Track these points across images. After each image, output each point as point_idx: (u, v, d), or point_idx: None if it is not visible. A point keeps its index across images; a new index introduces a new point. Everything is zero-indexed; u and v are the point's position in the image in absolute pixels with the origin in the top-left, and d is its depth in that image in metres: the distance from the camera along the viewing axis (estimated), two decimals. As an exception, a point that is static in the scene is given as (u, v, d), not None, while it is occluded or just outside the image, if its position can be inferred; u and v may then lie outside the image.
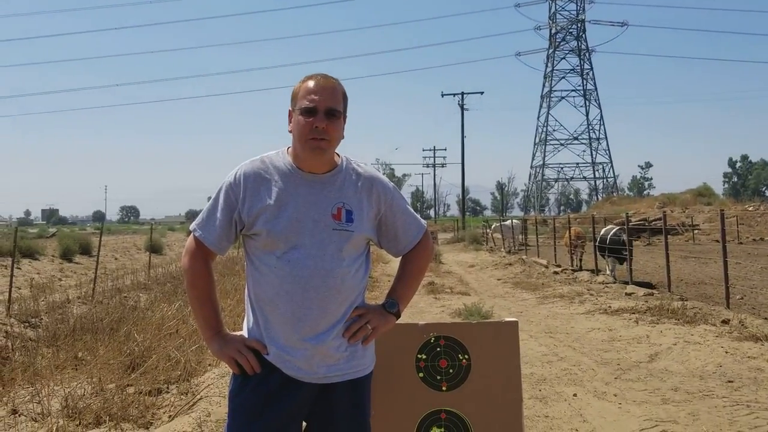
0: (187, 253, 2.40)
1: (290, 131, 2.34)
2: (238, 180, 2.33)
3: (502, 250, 28.95)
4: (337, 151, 2.39)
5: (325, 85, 2.29)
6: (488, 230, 36.72)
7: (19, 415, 5.12)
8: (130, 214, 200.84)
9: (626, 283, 14.37)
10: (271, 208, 2.28)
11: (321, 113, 2.25)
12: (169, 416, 5.11)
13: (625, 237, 15.43)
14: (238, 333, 2.42)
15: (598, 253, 17.00)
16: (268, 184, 2.31)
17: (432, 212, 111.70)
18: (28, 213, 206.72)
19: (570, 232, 20.13)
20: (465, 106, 54.99)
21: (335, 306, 2.29)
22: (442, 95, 56.02)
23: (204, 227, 2.37)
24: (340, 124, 2.32)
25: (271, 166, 2.34)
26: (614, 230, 16.66)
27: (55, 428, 4.64)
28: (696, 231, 31.80)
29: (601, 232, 17.10)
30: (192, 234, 2.41)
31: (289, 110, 2.34)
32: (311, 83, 2.29)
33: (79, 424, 4.81)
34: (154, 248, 25.59)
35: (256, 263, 2.33)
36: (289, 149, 2.39)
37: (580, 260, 19.44)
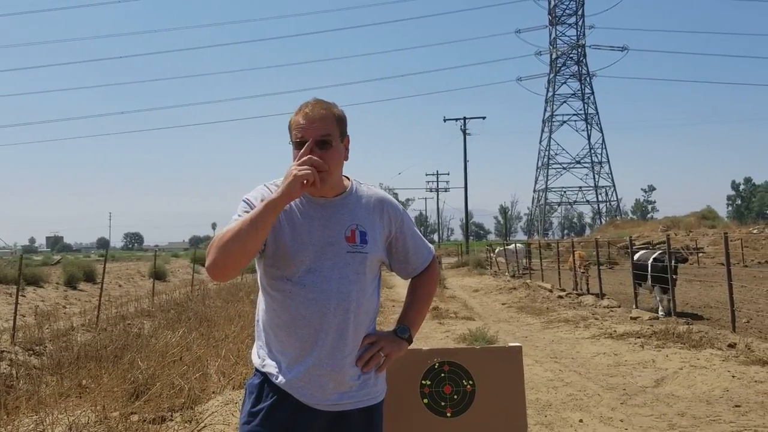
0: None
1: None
2: (255, 200, 2.27)
3: (506, 274, 28.86)
4: (346, 174, 2.39)
5: (314, 116, 2.24)
6: (492, 254, 36.65)
7: (23, 444, 5.09)
8: (134, 240, 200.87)
9: (669, 315, 12.64)
10: (285, 232, 2.26)
11: (311, 145, 2.20)
12: (173, 444, 5.08)
13: (665, 260, 13.14)
14: (252, 358, 2.38)
15: (634, 281, 14.75)
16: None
17: (436, 236, 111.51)
18: (32, 240, 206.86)
19: (574, 256, 20.07)
20: (467, 131, 55.28)
21: (352, 330, 2.28)
22: (444, 120, 56.44)
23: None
24: (335, 151, 2.26)
25: None
26: (656, 253, 14.20)
27: (59, 457, 4.61)
28: (700, 254, 31.70)
29: (637, 256, 14.98)
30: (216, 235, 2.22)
31: (289, 142, 2.32)
32: (300, 116, 2.26)
33: (83, 452, 4.78)
34: (158, 275, 25.61)
35: (270, 289, 2.31)
36: None
37: (587, 283, 19.12)
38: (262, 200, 2.16)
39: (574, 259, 19.74)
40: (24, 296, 16.57)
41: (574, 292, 18.44)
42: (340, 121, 2.31)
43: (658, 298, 13.59)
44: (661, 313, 13.05)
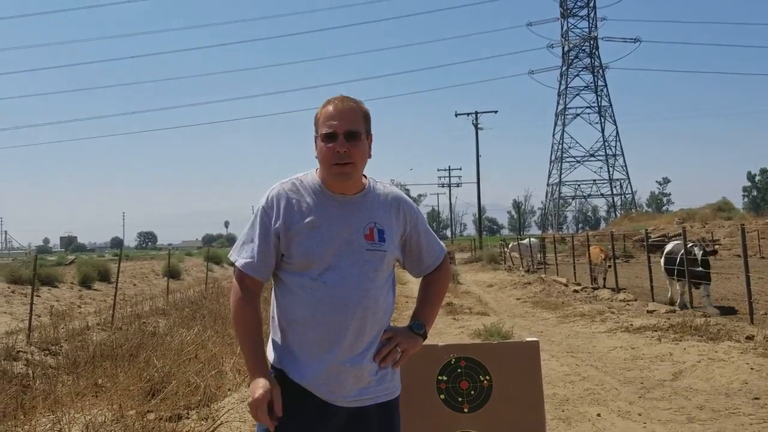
0: (234, 293, 2.35)
1: (316, 157, 2.34)
2: (271, 202, 2.32)
3: (521, 269, 28.78)
4: (364, 172, 2.40)
5: (344, 108, 2.28)
6: (506, 249, 36.55)
7: (41, 443, 5.11)
8: (147, 239, 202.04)
9: (685, 308, 12.43)
10: (304, 229, 2.27)
11: (341, 137, 2.24)
12: (190, 442, 5.09)
13: (698, 252, 12.57)
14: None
15: (667, 275, 13.99)
16: (299, 205, 2.30)
17: (448, 232, 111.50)
18: (46, 241, 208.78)
19: (589, 250, 19.81)
20: (479, 126, 55.12)
21: (370, 327, 2.28)
22: (456, 115, 56.35)
23: (246, 256, 2.32)
24: (363, 145, 2.30)
25: (302, 188, 2.34)
26: (689, 245, 13.09)
27: (75, 456, 4.62)
28: (716, 246, 31.43)
29: (668, 248, 14.20)
30: (235, 266, 2.35)
31: (314, 136, 2.35)
32: (330, 107, 2.29)
33: (100, 451, 4.79)
34: (172, 274, 25.71)
35: (289, 285, 2.31)
36: (317, 170, 2.39)
37: (604, 279, 18.47)
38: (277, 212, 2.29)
39: (588, 254, 19.36)
40: (39, 296, 16.68)
41: (590, 286, 18.30)
42: (367, 117, 2.35)
43: (680, 291, 13.27)
44: (678, 305, 12.89)
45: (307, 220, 2.28)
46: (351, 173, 2.28)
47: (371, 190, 2.39)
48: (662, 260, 14.30)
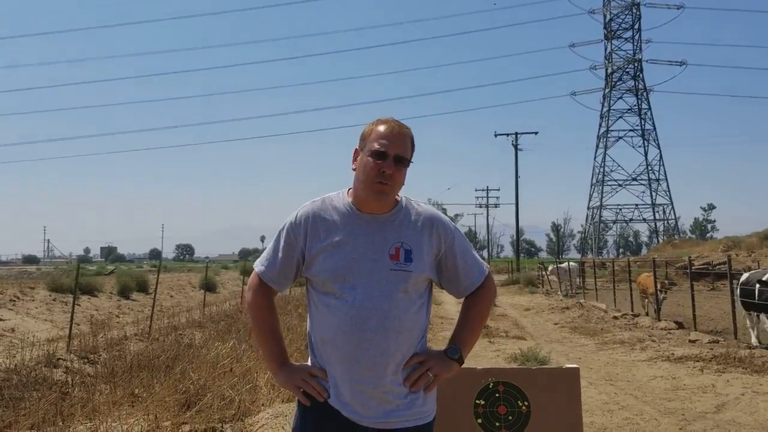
0: (250, 289, 2.46)
1: (354, 169, 2.37)
2: (299, 220, 2.37)
3: (559, 293, 28.38)
4: None
5: (399, 132, 2.31)
6: (544, 272, 36.09)
7: (77, 451, 5.17)
8: (185, 252, 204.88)
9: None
10: (329, 248, 2.30)
11: (390, 159, 2.27)
12: (223, 456, 5.09)
13: None
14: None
15: (741, 306, 12.26)
16: (326, 224, 2.33)
17: (485, 253, 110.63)
18: (87, 250, 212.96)
19: (640, 279, 18.28)
20: (519, 147, 54.80)
21: (394, 347, 2.26)
22: (496, 135, 56.00)
23: (266, 264, 2.43)
24: (405, 172, 2.34)
25: (331, 207, 2.37)
26: (765, 276, 11.58)
27: (111, 465, 4.66)
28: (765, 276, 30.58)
29: (744, 278, 12.35)
30: (254, 271, 2.47)
31: (356, 149, 2.37)
32: (384, 128, 2.32)
33: (135, 461, 4.83)
34: (209, 286, 26.01)
35: (317, 303, 2.34)
36: (350, 191, 2.40)
37: (658, 310, 16.28)
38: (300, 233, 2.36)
39: (639, 282, 17.99)
40: (79, 305, 16.98)
41: (630, 313, 17.87)
42: (413, 146, 2.40)
43: (759, 325, 11.62)
44: (754, 341, 11.47)
45: (333, 239, 2.31)
46: (389, 194, 2.31)
47: (402, 208, 2.39)
48: (738, 292, 12.42)
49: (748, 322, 12.06)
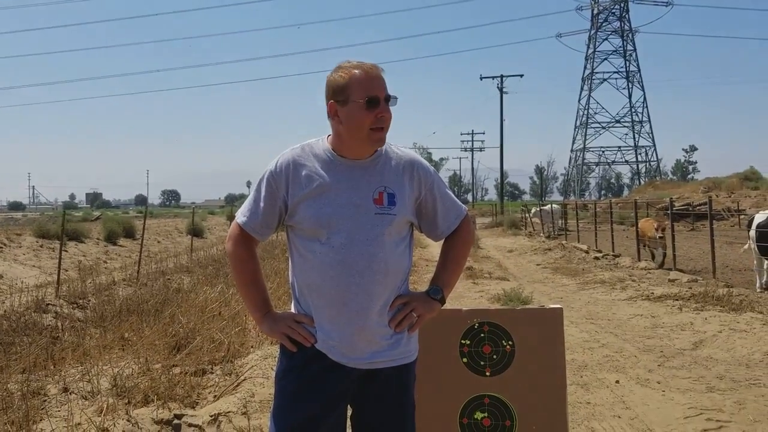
0: (231, 239, 2.44)
1: (337, 123, 2.30)
2: (279, 169, 2.35)
3: (542, 235, 28.69)
4: None
5: (376, 74, 2.28)
6: (527, 215, 36.40)
7: (71, 393, 5.27)
8: (171, 198, 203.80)
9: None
10: (312, 195, 2.30)
11: (383, 102, 2.26)
12: (214, 396, 5.22)
13: None
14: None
15: (760, 254, 11.35)
16: (308, 171, 2.32)
17: (470, 196, 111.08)
18: (72, 197, 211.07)
19: (639, 224, 17.22)
20: (504, 90, 54.43)
21: (380, 290, 2.30)
22: (481, 78, 55.44)
23: (247, 215, 2.41)
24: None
25: (311, 154, 2.36)
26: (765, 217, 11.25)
27: (105, 406, 4.76)
28: (742, 216, 31.05)
29: (761, 219, 11.54)
30: (235, 221, 2.45)
31: (331, 102, 2.29)
32: (361, 72, 2.25)
33: (128, 402, 4.93)
34: (196, 232, 25.97)
35: (300, 250, 2.35)
36: (329, 137, 2.39)
37: (664, 255, 15.30)
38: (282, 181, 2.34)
39: (637, 229, 17.16)
40: (66, 251, 16.98)
41: (611, 254, 18.16)
42: None
43: (758, 269, 11.49)
44: (759, 287, 11.14)
45: (316, 185, 2.30)
46: (385, 138, 2.31)
47: (383, 154, 2.38)
48: (753, 234, 11.66)
49: (759, 264, 11.55)
